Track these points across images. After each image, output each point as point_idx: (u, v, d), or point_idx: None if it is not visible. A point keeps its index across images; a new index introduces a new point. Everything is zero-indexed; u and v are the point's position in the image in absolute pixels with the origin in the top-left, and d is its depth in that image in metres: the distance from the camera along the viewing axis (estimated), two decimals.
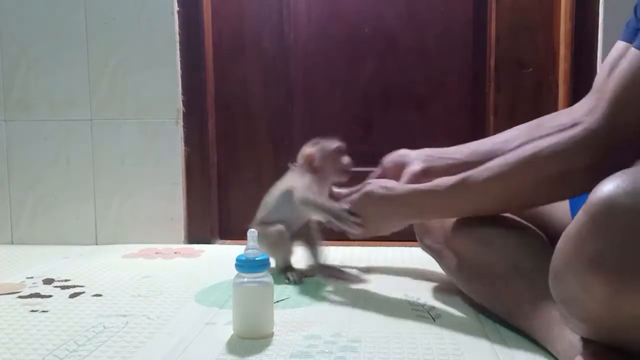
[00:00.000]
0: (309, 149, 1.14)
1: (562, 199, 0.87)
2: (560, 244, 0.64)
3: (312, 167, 1.12)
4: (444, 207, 0.92)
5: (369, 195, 0.98)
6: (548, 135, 0.78)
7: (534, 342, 0.80)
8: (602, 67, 0.92)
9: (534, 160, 0.79)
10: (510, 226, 0.91)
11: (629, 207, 0.57)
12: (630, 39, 0.91)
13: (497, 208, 0.89)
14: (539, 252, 0.84)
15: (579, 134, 0.75)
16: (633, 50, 0.72)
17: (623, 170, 0.60)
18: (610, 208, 0.58)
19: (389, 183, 0.99)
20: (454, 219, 0.96)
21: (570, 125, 0.76)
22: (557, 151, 0.77)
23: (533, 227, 0.91)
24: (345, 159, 1.13)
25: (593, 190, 0.61)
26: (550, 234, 0.90)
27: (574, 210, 0.93)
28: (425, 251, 1.08)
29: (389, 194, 0.96)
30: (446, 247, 0.99)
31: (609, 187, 0.59)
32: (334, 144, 1.14)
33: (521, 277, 0.83)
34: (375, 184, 0.99)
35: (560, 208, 0.95)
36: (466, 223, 0.93)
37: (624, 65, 0.73)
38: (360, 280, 1.15)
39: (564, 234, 0.64)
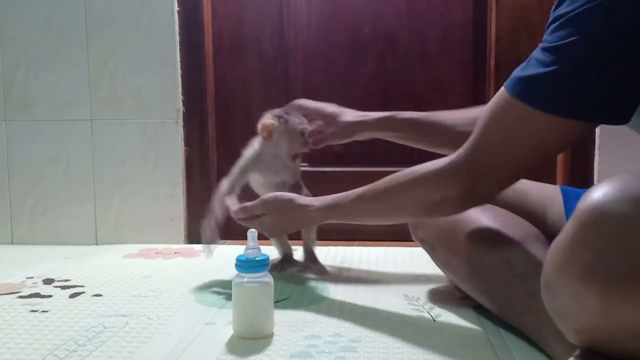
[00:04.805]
0: (269, 120, 1.10)
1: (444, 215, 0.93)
2: (550, 254, 0.63)
3: (268, 140, 1.10)
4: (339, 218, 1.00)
5: (267, 202, 1.05)
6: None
7: (534, 341, 0.80)
8: None
9: (409, 187, 0.87)
10: (503, 221, 0.90)
11: (618, 214, 0.55)
12: None
13: (386, 221, 1.01)
14: (531, 249, 0.84)
15: (446, 165, 0.81)
16: (502, 89, 0.74)
17: (612, 177, 0.59)
18: (600, 216, 0.56)
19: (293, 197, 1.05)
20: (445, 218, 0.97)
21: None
22: (426, 178, 0.84)
23: (527, 222, 0.91)
24: (305, 143, 1.10)
25: (582, 198, 0.59)
26: (546, 228, 0.90)
27: (567, 205, 0.93)
28: (419, 244, 1.07)
29: (291, 204, 1.04)
30: (439, 241, 0.99)
31: (597, 194, 0.57)
32: (299, 123, 1.10)
33: (513, 273, 0.83)
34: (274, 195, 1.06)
35: (555, 201, 0.95)
36: (459, 219, 0.93)
37: (493, 101, 0.76)
38: (324, 273, 1.17)
39: (553, 243, 0.63)
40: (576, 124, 0.68)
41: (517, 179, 0.81)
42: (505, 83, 0.73)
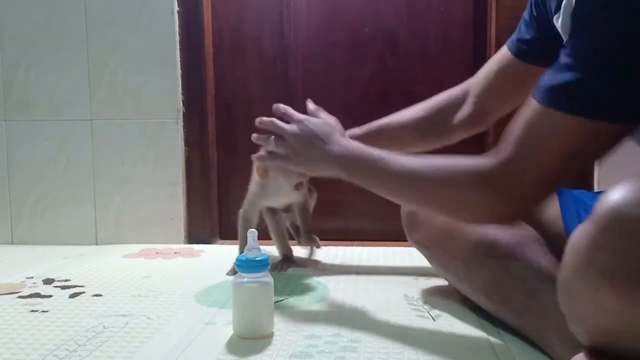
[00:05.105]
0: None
1: (461, 220, 0.87)
2: (568, 256, 0.63)
3: (266, 177, 1.08)
4: (358, 172, 0.90)
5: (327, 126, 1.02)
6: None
7: (533, 342, 0.80)
8: (483, 69, 1.08)
9: (439, 173, 0.80)
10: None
11: (637, 217, 0.55)
12: (512, 49, 0.97)
13: (403, 200, 0.91)
14: (529, 250, 0.84)
15: (481, 170, 0.76)
16: (534, 101, 0.72)
17: (630, 178, 0.58)
18: (618, 218, 0.56)
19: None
20: (441, 219, 0.96)
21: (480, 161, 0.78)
22: (459, 177, 0.78)
23: (524, 223, 0.91)
24: (301, 172, 1.05)
25: (599, 200, 0.59)
26: (543, 230, 0.90)
27: (563, 206, 0.92)
28: (415, 246, 1.07)
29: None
30: (436, 244, 0.99)
31: (615, 197, 0.57)
32: None
33: (511, 275, 0.83)
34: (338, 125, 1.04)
35: (552, 201, 0.94)
36: (456, 223, 0.93)
37: (525, 112, 0.73)
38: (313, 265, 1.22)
39: (570, 245, 0.62)
40: (604, 125, 0.67)
41: (554, 190, 0.77)
42: (534, 93, 0.72)
